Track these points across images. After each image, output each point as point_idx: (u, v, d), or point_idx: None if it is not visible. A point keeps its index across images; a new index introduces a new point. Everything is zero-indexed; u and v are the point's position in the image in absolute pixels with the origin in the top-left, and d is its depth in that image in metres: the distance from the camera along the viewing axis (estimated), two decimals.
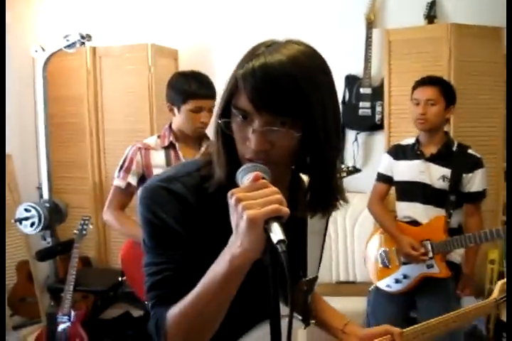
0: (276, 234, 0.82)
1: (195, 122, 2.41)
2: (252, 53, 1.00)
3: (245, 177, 0.92)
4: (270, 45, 1.01)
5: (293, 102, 0.94)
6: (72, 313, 3.10)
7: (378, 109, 4.01)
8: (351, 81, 4.11)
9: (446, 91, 2.69)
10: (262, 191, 0.87)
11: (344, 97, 4.12)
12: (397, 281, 2.77)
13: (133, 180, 2.46)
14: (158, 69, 4.04)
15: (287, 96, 0.93)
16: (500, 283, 1.47)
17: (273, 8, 4.20)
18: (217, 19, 4.32)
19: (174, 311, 0.99)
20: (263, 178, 0.90)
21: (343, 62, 4.12)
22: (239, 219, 0.85)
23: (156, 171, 2.44)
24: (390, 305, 2.83)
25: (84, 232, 3.32)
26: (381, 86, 3.97)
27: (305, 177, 1.17)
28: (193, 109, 2.37)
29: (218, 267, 0.92)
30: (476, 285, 3.77)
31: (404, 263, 2.75)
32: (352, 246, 3.67)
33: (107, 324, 3.62)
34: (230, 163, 1.04)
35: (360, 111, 4.06)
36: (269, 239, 0.84)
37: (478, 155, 2.76)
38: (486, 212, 3.34)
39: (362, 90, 4.06)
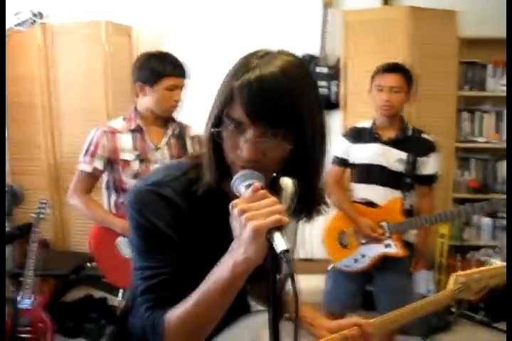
0: (280, 243, 0.87)
1: (170, 100, 2.40)
2: (246, 65, 1.00)
3: (242, 184, 0.96)
4: (262, 56, 1.02)
5: (287, 115, 0.97)
6: (33, 298, 3.08)
7: (334, 88, 4.08)
8: (308, 60, 4.13)
9: (408, 78, 2.75)
10: (264, 202, 0.91)
11: None
12: (356, 261, 2.86)
13: (99, 164, 2.43)
14: (113, 47, 3.95)
15: (282, 109, 0.96)
16: (454, 275, 1.52)
17: None
18: None
19: (174, 315, 1.02)
20: (262, 188, 0.93)
21: (299, 41, 4.15)
22: (242, 228, 0.89)
23: (123, 155, 2.42)
24: (348, 283, 2.94)
25: (42, 216, 3.25)
26: (337, 65, 4.03)
27: (285, 180, 1.20)
28: (169, 86, 2.37)
29: (221, 273, 0.96)
30: (428, 261, 3.96)
31: (363, 244, 2.84)
32: (310, 224, 3.74)
33: (69, 307, 3.61)
34: (219, 169, 1.07)
35: None
36: (271, 247, 0.88)
37: (432, 139, 2.85)
38: (437, 189, 3.48)
39: (318, 69, 4.10)
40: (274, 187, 1.16)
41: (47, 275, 3.36)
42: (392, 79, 2.71)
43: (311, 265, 3.68)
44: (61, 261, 3.60)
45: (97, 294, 3.70)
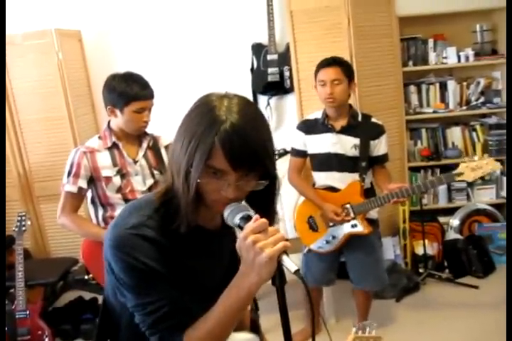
0: (290, 265, 1.06)
1: (139, 122, 2.53)
2: (214, 119, 1.13)
3: (237, 217, 1.14)
4: (220, 108, 1.14)
5: (262, 158, 1.14)
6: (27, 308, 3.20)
7: (286, 73, 4.23)
8: (257, 49, 4.28)
9: (347, 70, 2.93)
10: (269, 232, 1.09)
11: (252, 65, 4.30)
12: (327, 242, 3.09)
13: (83, 183, 2.55)
14: (66, 53, 4.02)
15: (258, 155, 1.13)
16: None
17: None
18: None
19: (196, 334, 1.19)
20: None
21: (247, 32, 4.29)
22: (256, 255, 1.07)
23: (105, 172, 2.55)
24: (322, 262, 3.19)
25: (23, 228, 3.36)
26: (287, 51, 4.17)
27: None
28: (137, 110, 2.48)
29: (238, 294, 1.14)
30: (391, 226, 4.23)
31: (331, 226, 3.06)
32: (283, 208, 3.87)
33: (63, 311, 3.74)
34: (197, 208, 1.21)
35: (270, 77, 4.27)
36: (279, 267, 1.08)
37: (380, 123, 3.06)
38: (393, 160, 3.71)
39: (269, 57, 4.25)
40: None
41: (37, 285, 3.48)
42: (331, 73, 2.87)
43: None
44: (47, 269, 3.72)
45: (87, 295, 3.84)
